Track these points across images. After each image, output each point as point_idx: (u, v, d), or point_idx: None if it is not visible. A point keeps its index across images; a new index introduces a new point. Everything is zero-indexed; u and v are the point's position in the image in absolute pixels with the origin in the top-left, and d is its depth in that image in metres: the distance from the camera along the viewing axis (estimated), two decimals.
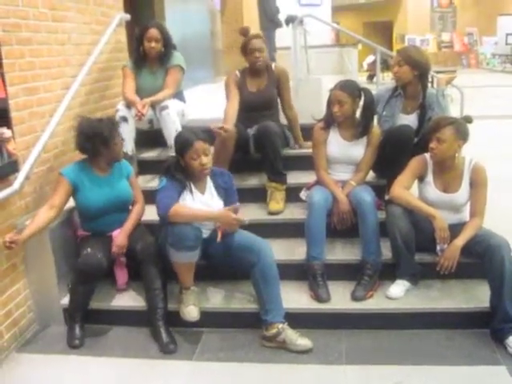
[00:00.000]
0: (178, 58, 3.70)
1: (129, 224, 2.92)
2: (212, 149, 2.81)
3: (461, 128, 2.70)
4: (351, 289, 2.85)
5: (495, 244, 2.60)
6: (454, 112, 3.24)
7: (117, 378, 2.51)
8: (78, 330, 2.78)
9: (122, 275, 2.98)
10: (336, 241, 3.14)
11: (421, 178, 2.88)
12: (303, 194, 3.27)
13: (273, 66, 3.63)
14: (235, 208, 2.63)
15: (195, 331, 2.81)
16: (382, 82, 7.11)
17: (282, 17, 8.11)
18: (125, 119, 3.45)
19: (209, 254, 2.82)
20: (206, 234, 2.76)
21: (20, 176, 2.68)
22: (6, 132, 2.66)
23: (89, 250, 2.73)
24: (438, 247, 2.74)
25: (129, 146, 3.50)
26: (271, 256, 2.72)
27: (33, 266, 2.87)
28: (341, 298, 2.84)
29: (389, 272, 2.89)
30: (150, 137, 3.80)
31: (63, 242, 2.93)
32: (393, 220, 2.78)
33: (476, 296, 2.77)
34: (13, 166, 2.71)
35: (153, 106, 3.50)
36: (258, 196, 3.41)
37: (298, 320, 2.71)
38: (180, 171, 2.71)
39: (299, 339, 2.61)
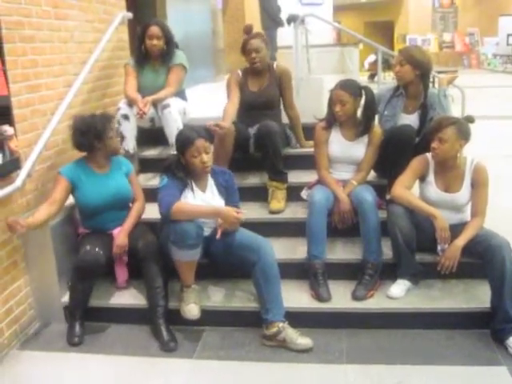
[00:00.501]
0: (180, 56, 3.68)
1: (128, 222, 2.92)
2: (212, 147, 2.81)
3: (463, 128, 2.70)
4: (352, 288, 2.85)
5: (496, 244, 2.60)
6: (455, 112, 3.24)
7: (117, 376, 2.51)
8: (77, 328, 2.79)
9: (122, 273, 2.98)
10: (337, 240, 3.14)
11: (422, 178, 2.88)
12: (304, 193, 3.27)
13: (274, 65, 3.60)
14: (238, 211, 2.63)
15: (196, 329, 2.82)
16: (383, 81, 7.13)
17: (283, 16, 8.11)
18: (126, 117, 3.46)
19: (210, 253, 2.83)
20: (207, 232, 2.76)
21: (22, 173, 2.68)
22: (9, 129, 2.66)
23: (88, 247, 2.74)
24: (439, 247, 2.74)
25: (130, 144, 3.51)
26: (272, 255, 2.72)
27: (34, 263, 2.88)
28: (341, 297, 2.84)
29: (389, 272, 2.89)
30: (151, 135, 3.80)
31: (64, 240, 2.93)
32: (394, 220, 2.78)
33: (477, 296, 2.77)
34: (15, 164, 2.71)
35: (154, 104, 3.50)
36: (258, 195, 3.41)
37: (298, 319, 2.71)
38: (181, 169, 2.71)
39: (299, 338, 2.61)
